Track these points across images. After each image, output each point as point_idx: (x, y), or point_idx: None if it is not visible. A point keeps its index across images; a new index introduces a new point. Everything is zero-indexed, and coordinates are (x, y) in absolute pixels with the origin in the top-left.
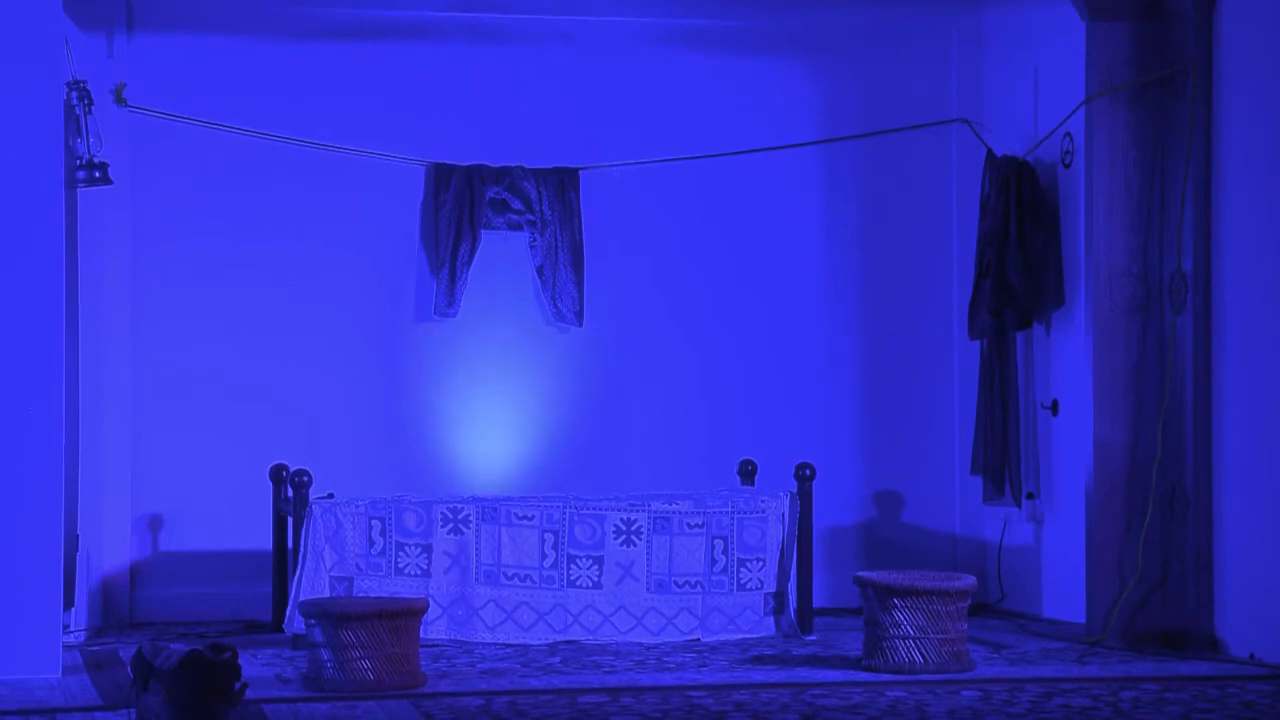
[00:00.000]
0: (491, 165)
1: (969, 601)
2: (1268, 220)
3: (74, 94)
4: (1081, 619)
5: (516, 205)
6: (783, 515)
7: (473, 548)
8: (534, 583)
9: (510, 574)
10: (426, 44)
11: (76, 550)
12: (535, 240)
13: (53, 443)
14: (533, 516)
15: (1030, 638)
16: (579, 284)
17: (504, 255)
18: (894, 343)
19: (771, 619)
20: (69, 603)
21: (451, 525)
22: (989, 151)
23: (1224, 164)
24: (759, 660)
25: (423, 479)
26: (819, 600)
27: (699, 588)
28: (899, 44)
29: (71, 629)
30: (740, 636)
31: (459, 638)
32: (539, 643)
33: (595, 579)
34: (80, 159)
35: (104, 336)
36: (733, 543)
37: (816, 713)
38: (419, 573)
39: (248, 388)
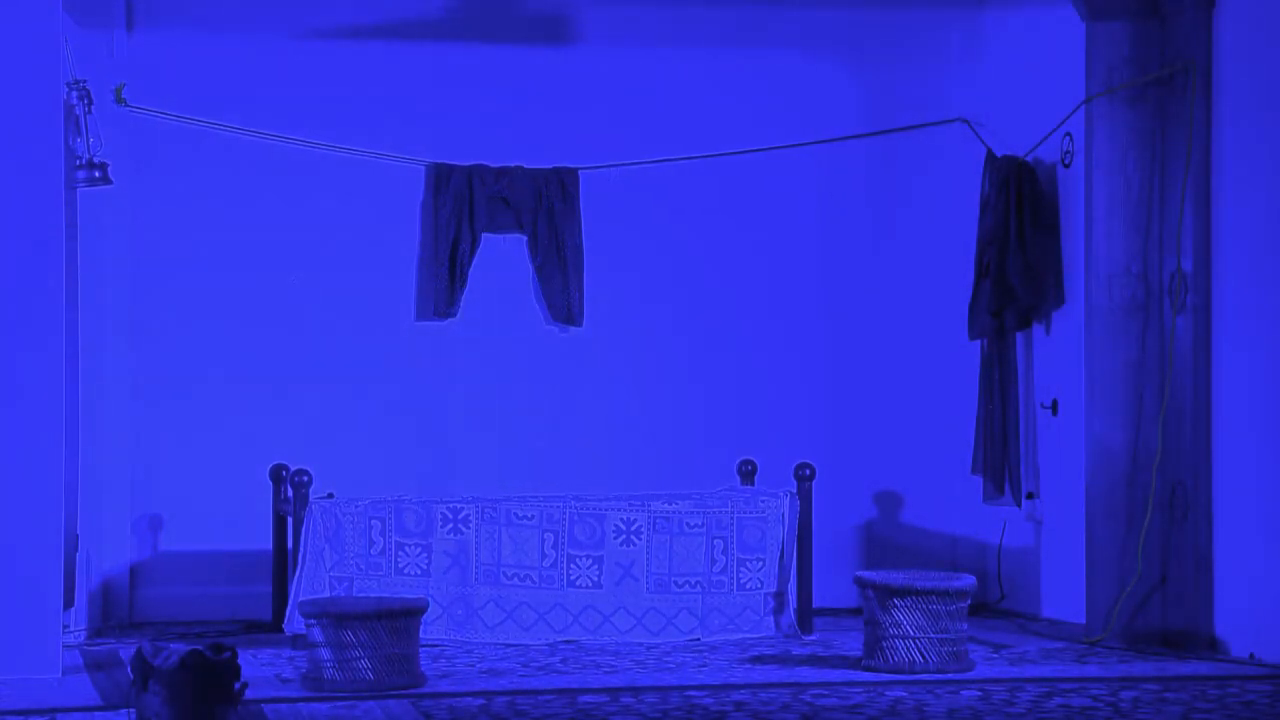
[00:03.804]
0: (491, 165)
1: (969, 601)
2: (1267, 220)
3: (74, 94)
4: (1081, 619)
5: (516, 205)
6: (782, 515)
7: (472, 547)
8: (534, 582)
9: (510, 574)
10: (426, 44)
11: (76, 550)
12: (535, 240)
13: (53, 443)
14: (532, 516)
15: (1030, 638)
16: (579, 284)
17: (504, 255)
18: (894, 342)
19: (771, 619)
20: (69, 603)
21: (451, 525)
22: (989, 151)
23: (1224, 164)
24: (759, 660)
25: (423, 479)
26: (819, 600)
27: (699, 588)
28: (899, 44)
29: (71, 629)
30: (740, 636)
31: (459, 637)
32: (539, 642)
33: (595, 579)
34: (80, 159)
35: (104, 336)
36: (732, 543)
37: (816, 713)
38: (419, 572)
39: (248, 388)
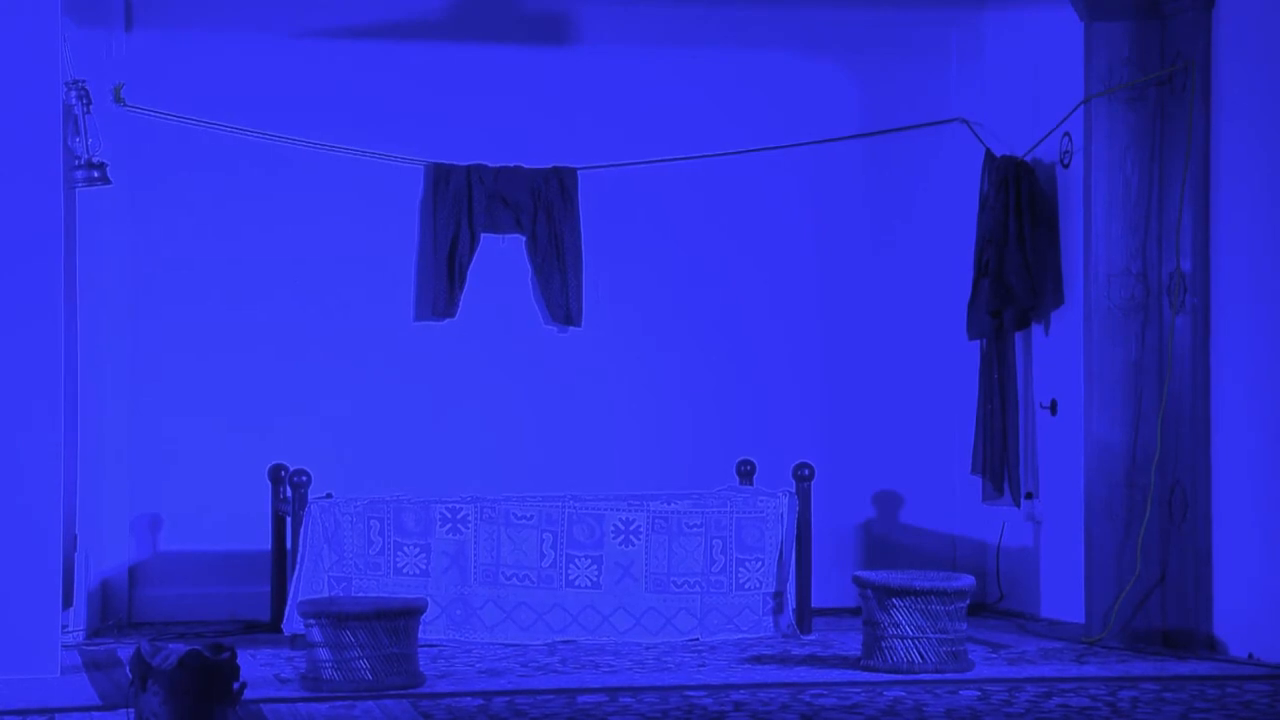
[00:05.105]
0: (491, 165)
1: (967, 601)
2: (1267, 220)
3: (73, 94)
4: (1080, 619)
5: (515, 205)
6: (781, 515)
7: (471, 547)
8: (532, 582)
9: (509, 574)
10: (426, 44)
11: (75, 550)
12: (534, 240)
13: (52, 443)
14: (531, 516)
15: (1029, 637)
16: (578, 284)
17: (503, 255)
18: (893, 343)
19: (770, 619)
20: (68, 603)
21: (450, 525)
22: (988, 151)
23: (1223, 164)
24: (758, 660)
25: (422, 479)
26: (818, 600)
27: (698, 588)
28: (899, 44)
29: (70, 629)
30: (739, 636)
31: (458, 637)
32: (537, 642)
33: (594, 579)
34: (79, 159)
35: (103, 336)
36: (731, 543)
37: (815, 713)
38: (417, 572)
39: (247, 388)
